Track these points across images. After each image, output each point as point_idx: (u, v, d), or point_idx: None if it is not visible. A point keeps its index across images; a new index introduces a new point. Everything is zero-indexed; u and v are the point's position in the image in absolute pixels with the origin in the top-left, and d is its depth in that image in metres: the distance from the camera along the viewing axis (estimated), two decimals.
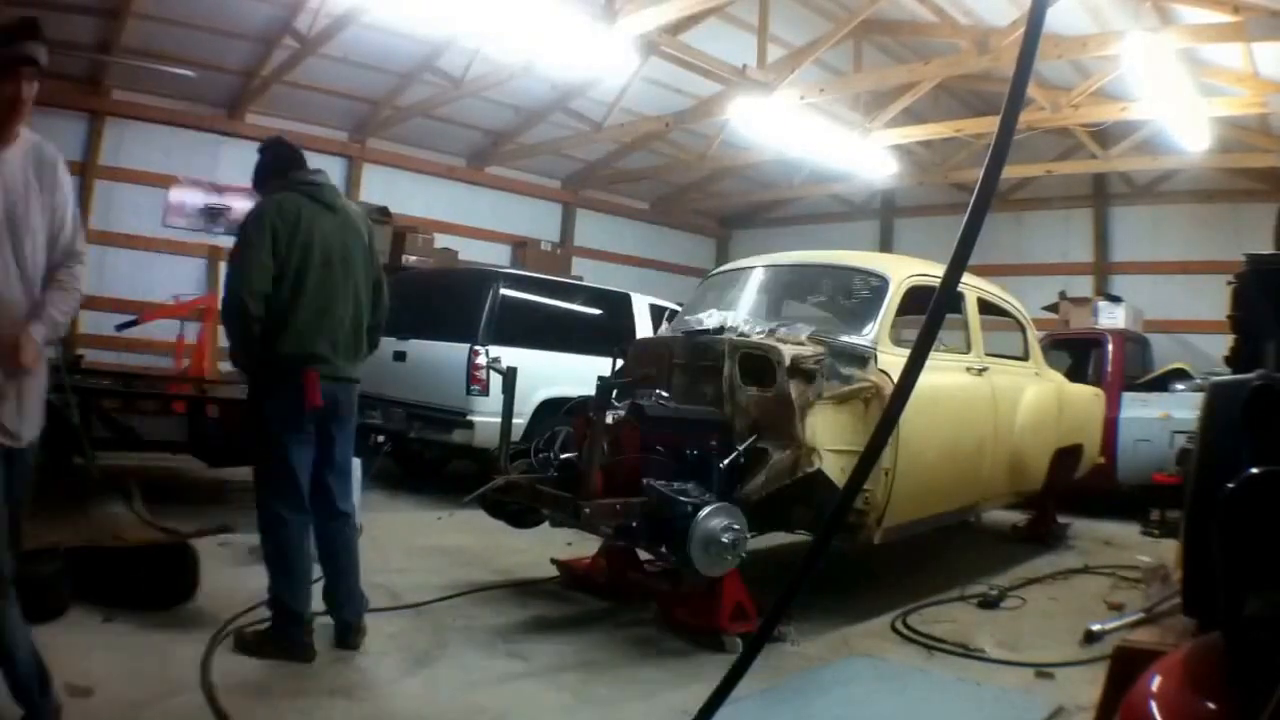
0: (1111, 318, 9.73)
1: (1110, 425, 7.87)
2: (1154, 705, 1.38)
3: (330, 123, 11.05)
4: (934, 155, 11.78)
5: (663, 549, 3.95)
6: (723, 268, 6.51)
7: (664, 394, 4.49)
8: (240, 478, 6.96)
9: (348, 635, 3.71)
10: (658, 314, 7.91)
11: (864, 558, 5.21)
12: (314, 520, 3.73)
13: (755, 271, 5.54)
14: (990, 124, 8.51)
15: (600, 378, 4.20)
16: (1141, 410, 8.24)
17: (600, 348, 6.09)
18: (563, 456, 4.52)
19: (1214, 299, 4.20)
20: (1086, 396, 7.04)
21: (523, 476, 4.46)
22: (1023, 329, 6.39)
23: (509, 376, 4.67)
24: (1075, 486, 7.04)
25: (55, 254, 2.80)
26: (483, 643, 3.93)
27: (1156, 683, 1.44)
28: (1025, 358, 6.29)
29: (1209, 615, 1.71)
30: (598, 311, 8.10)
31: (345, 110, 10.91)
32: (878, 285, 4.85)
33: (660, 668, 3.75)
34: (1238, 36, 6.88)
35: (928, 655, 4.10)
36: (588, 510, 3.85)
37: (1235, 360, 2.62)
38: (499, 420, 4.71)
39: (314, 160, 3.97)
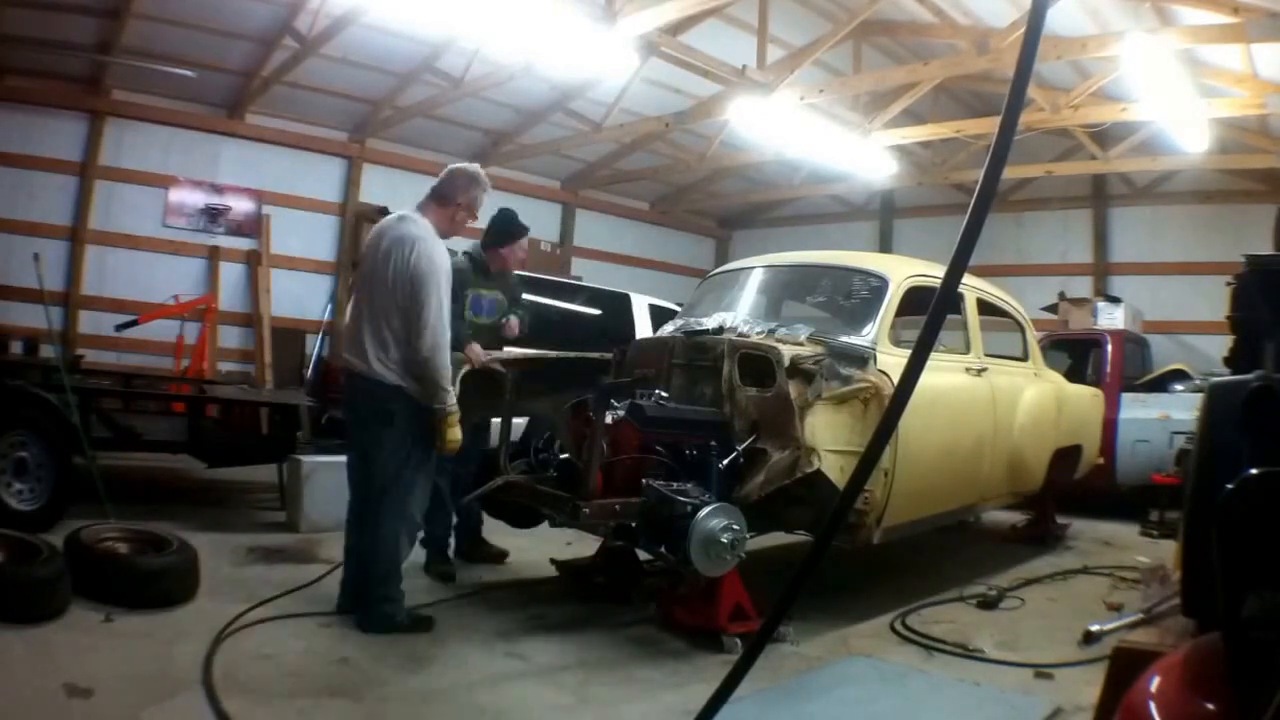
0: (1111, 318, 9.72)
1: (1109, 426, 7.87)
2: (1153, 706, 1.39)
3: (330, 123, 11.02)
4: (934, 156, 11.78)
5: (662, 549, 3.95)
6: (722, 268, 6.50)
7: (663, 394, 4.49)
8: (241, 478, 6.98)
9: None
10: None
11: (864, 558, 5.21)
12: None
13: (754, 272, 5.54)
14: (990, 125, 8.54)
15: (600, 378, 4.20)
16: (1140, 411, 8.25)
17: (600, 348, 6.09)
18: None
19: (1213, 299, 4.21)
20: (1086, 397, 7.04)
21: (522, 476, 4.46)
22: (1022, 329, 6.39)
23: (508, 377, 4.67)
24: (1074, 487, 7.03)
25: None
26: (482, 643, 3.93)
27: (1156, 683, 1.44)
28: (1024, 358, 6.29)
29: (1208, 616, 1.71)
30: (597, 312, 8.10)
31: (345, 110, 10.89)
32: (877, 286, 4.85)
33: (660, 668, 3.75)
34: (1237, 38, 6.88)
35: (927, 656, 4.10)
36: (587, 510, 3.86)
37: (1234, 361, 2.63)
38: (498, 420, 4.71)
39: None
